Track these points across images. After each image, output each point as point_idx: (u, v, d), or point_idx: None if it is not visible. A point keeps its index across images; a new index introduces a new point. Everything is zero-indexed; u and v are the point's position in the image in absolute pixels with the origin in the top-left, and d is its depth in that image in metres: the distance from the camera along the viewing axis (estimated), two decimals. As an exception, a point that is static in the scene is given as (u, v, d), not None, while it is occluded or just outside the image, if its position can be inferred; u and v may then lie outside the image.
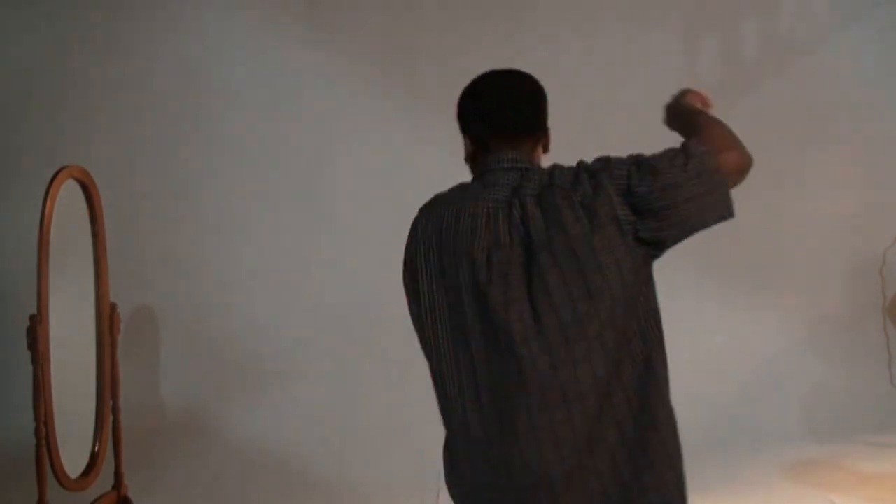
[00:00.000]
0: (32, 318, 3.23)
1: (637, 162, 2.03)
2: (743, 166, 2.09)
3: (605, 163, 2.05)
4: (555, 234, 1.89)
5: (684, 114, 2.22)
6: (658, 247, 1.96)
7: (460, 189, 2.09)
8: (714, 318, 5.11)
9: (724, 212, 2.03)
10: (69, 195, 3.51)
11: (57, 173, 3.42)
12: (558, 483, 1.84)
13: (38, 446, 3.23)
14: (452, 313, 1.93)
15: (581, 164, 2.08)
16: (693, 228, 1.98)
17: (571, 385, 1.83)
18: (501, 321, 1.86)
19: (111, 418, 3.73)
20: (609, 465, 1.88)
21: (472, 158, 2.15)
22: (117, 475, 3.78)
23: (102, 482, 3.69)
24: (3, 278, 4.44)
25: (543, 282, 1.86)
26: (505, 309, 1.86)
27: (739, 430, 4.86)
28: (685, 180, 1.96)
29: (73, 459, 3.46)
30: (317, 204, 4.86)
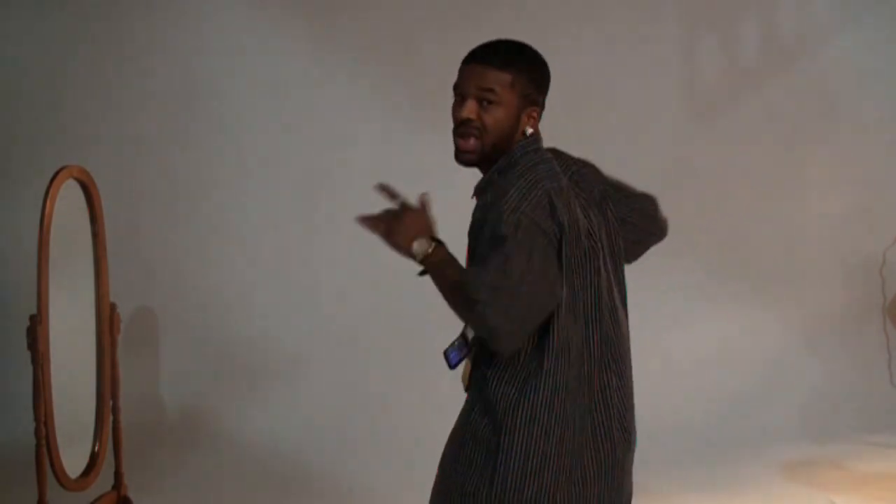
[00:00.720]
0: (32, 318, 3.23)
1: None
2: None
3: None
4: (615, 242, 2.21)
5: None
6: None
7: (551, 166, 2.15)
8: (714, 319, 5.11)
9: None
10: (69, 195, 3.51)
11: (57, 173, 3.41)
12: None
13: (38, 446, 3.23)
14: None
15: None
16: None
17: (627, 355, 2.21)
18: (608, 305, 2.12)
19: (111, 418, 3.73)
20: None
21: (534, 135, 2.16)
22: (117, 475, 3.78)
23: (102, 482, 3.69)
24: (3, 278, 4.44)
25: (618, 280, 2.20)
26: (609, 295, 2.13)
27: (739, 429, 4.85)
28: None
29: (73, 459, 3.46)
30: (317, 204, 4.86)
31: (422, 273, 2.09)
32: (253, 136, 4.82)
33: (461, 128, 2.10)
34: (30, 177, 3.93)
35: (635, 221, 2.32)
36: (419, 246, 2.06)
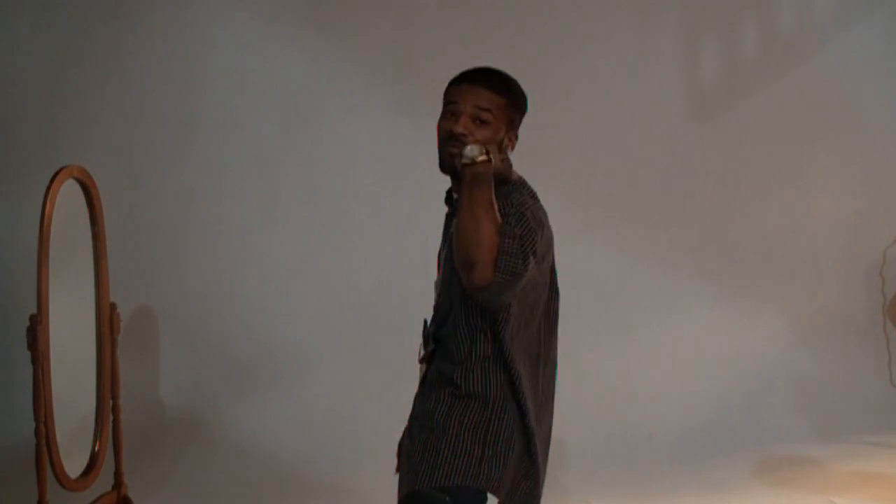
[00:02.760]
0: (32, 318, 3.23)
1: None
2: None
3: None
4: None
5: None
6: None
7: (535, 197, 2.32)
8: (713, 319, 5.11)
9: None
10: (69, 195, 3.51)
11: (57, 173, 3.41)
12: None
13: (38, 446, 3.23)
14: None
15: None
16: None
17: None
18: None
19: (111, 418, 3.73)
20: None
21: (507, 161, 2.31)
22: (117, 475, 3.78)
23: (102, 482, 3.69)
24: (3, 278, 4.44)
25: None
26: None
27: (739, 429, 4.86)
28: None
29: (73, 459, 3.46)
30: (318, 204, 4.86)
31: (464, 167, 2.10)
32: (253, 136, 4.82)
33: (454, 140, 2.22)
34: (30, 177, 3.93)
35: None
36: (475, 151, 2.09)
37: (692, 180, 5.09)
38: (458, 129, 2.21)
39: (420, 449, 2.22)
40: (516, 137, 2.32)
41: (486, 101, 2.22)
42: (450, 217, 2.41)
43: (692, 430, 4.71)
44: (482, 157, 2.06)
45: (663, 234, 5.03)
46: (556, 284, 2.38)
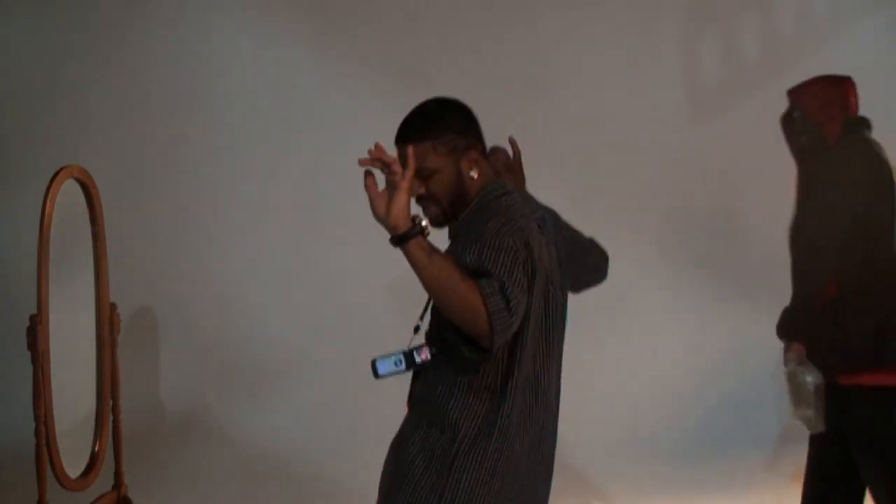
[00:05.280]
0: (32, 318, 3.23)
1: None
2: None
3: None
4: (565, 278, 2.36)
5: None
6: None
7: (521, 208, 2.25)
8: (713, 319, 5.11)
9: None
10: (69, 195, 3.51)
11: (57, 173, 3.42)
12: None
13: (38, 446, 3.23)
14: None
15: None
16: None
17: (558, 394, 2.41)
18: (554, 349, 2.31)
19: (111, 418, 3.73)
20: None
21: (482, 174, 2.25)
22: (117, 475, 3.78)
23: (102, 482, 3.69)
24: (3, 278, 4.44)
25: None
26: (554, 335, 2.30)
27: (739, 430, 4.85)
28: None
29: (73, 459, 3.46)
30: (318, 205, 4.86)
31: (396, 243, 2.07)
32: (253, 136, 4.82)
33: (420, 202, 2.22)
34: (30, 177, 3.93)
35: (588, 262, 2.56)
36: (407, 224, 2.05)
37: (692, 180, 5.08)
38: (413, 193, 2.16)
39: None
40: (477, 150, 2.25)
41: (414, 159, 2.13)
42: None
43: (692, 431, 4.71)
44: (408, 230, 2.02)
45: (663, 234, 5.03)
46: (564, 311, 2.35)
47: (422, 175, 2.18)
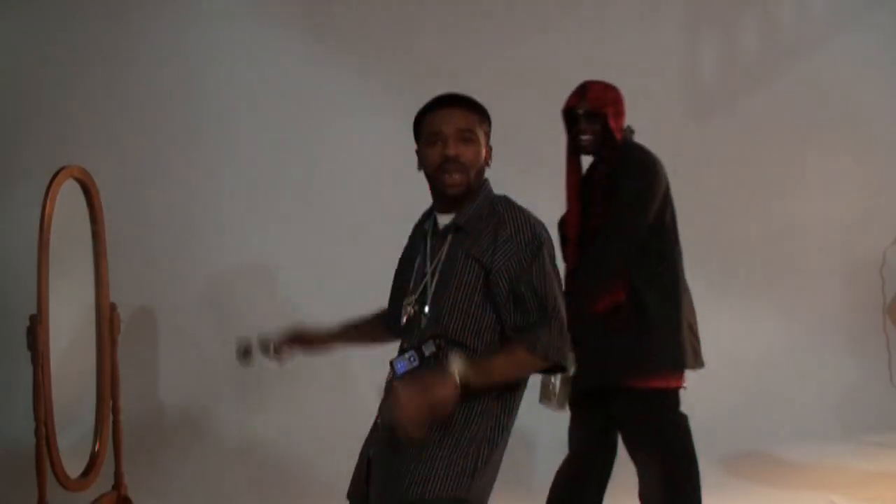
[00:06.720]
0: (32, 318, 3.23)
1: None
2: None
3: None
4: None
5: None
6: None
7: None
8: (713, 318, 5.10)
9: None
10: (69, 195, 3.51)
11: (57, 173, 3.41)
12: None
13: (38, 446, 3.23)
14: None
15: None
16: None
17: None
18: None
19: (111, 418, 3.73)
20: None
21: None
22: (117, 475, 3.78)
23: (102, 482, 3.69)
24: (3, 278, 4.44)
25: None
26: None
27: (739, 429, 4.86)
28: None
29: (73, 459, 3.46)
30: (317, 205, 4.86)
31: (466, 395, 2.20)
32: (254, 136, 4.82)
33: (448, 165, 2.26)
34: (30, 177, 3.93)
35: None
36: (458, 377, 2.16)
37: (692, 180, 5.08)
38: (452, 152, 2.25)
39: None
40: (490, 149, 2.37)
41: (464, 121, 2.27)
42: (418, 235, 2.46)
43: (691, 431, 4.71)
44: (467, 374, 2.15)
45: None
46: None
47: (465, 137, 2.27)
